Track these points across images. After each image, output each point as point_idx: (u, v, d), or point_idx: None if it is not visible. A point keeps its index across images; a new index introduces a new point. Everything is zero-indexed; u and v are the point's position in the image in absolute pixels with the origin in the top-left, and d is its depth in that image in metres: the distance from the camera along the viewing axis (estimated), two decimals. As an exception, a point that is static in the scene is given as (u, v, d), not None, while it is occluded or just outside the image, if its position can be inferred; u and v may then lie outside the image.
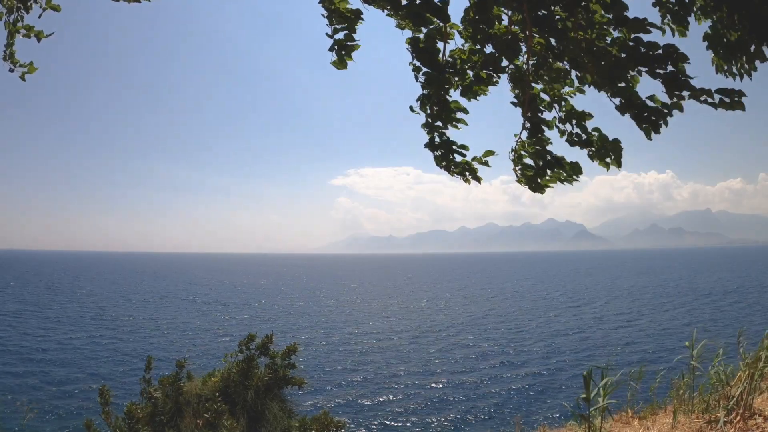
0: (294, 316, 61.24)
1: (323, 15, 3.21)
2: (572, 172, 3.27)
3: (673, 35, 3.16)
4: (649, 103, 2.79)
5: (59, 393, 28.16)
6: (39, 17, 4.02)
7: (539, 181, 3.40)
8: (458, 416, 24.77)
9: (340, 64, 3.34)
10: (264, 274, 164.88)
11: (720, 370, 5.56)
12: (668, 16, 3.09)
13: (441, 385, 29.96)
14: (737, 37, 2.87)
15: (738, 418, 4.83)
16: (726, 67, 3.29)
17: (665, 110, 2.76)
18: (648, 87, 2.90)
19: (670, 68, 2.64)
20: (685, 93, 2.64)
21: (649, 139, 2.87)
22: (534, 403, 26.52)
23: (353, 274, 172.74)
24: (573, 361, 34.98)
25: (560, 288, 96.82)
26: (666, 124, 2.80)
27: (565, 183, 3.37)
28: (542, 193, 3.49)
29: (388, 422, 24.03)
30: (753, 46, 2.85)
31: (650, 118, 2.79)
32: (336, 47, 3.29)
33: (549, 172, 3.33)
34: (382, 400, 27.42)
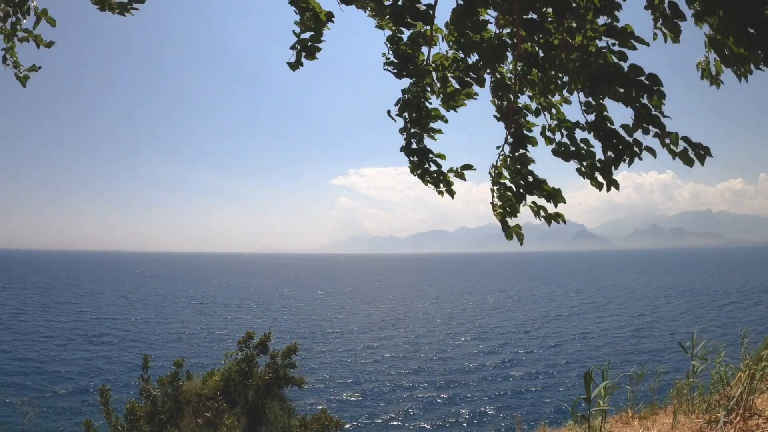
0: (294, 316, 61.25)
1: (295, 11, 3.14)
2: (552, 199, 3.08)
3: (665, 41, 3.12)
4: (622, 132, 2.64)
5: (59, 393, 28.18)
6: (34, 28, 4.02)
7: (516, 208, 3.20)
8: (458, 416, 24.76)
9: (296, 65, 3.24)
10: (264, 274, 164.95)
11: (720, 371, 5.55)
12: (661, 20, 3.03)
13: (441, 385, 29.94)
14: (736, 45, 2.82)
15: (738, 418, 4.83)
16: (714, 73, 3.26)
17: (636, 148, 2.62)
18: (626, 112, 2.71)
19: (645, 100, 2.53)
20: (653, 129, 2.52)
21: (607, 171, 2.71)
22: (534, 402, 26.50)
23: (353, 275, 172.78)
24: (574, 361, 34.95)
25: (561, 288, 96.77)
26: (631, 161, 2.63)
27: (542, 220, 3.15)
28: (508, 239, 3.24)
29: (387, 421, 24.02)
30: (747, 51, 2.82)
31: (617, 148, 2.65)
32: (299, 46, 3.21)
33: (528, 196, 3.14)
34: (381, 399, 27.42)
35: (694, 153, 2.50)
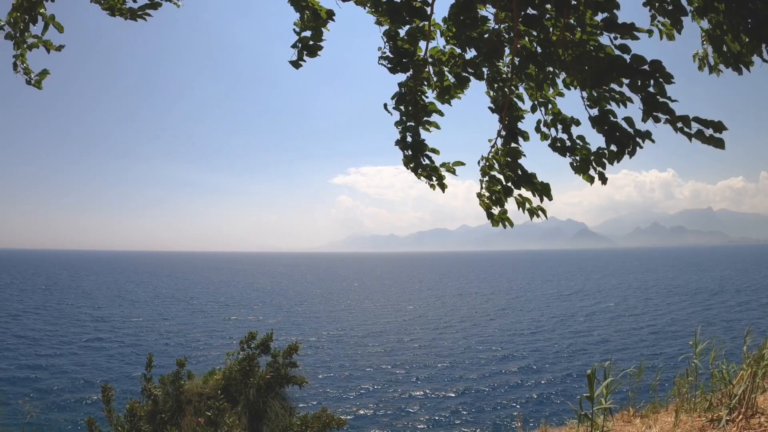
0: (295, 315, 61.28)
1: (294, 10, 3.16)
2: (541, 192, 3.12)
3: (661, 38, 3.12)
4: (624, 125, 2.68)
5: (61, 392, 28.23)
6: (42, 34, 4.03)
7: (503, 200, 3.26)
8: (460, 414, 24.77)
9: (297, 63, 3.28)
10: (265, 274, 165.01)
11: (723, 369, 5.55)
12: (658, 18, 3.03)
13: (443, 383, 29.95)
14: (735, 40, 2.83)
15: (740, 416, 4.82)
16: (713, 63, 3.26)
17: (637, 138, 2.66)
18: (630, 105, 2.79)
19: (651, 89, 2.54)
20: (663, 116, 2.52)
21: (611, 163, 2.77)
22: (536, 401, 26.51)
23: (354, 273, 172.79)
24: (576, 360, 34.96)
25: (563, 287, 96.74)
26: (633, 152, 2.67)
27: (526, 213, 3.23)
28: (494, 225, 3.36)
29: (388, 420, 24.03)
30: (745, 48, 2.81)
31: (620, 140, 2.68)
32: (300, 45, 3.22)
33: (516, 190, 3.20)
34: (382, 398, 27.43)
35: (710, 133, 2.47)
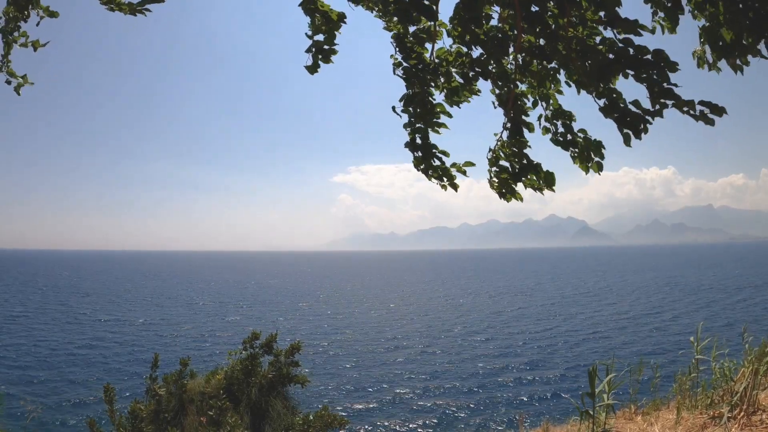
0: (296, 314, 61.32)
1: (305, 13, 3.14)
2: (546, 182, 3.23)
3: (663, 32, 3.15)
4: (632, 108, 2.78)
5: (62, 393, 28.27)
6: (37, 25, 3.94)
7: (512, 185, 3.37)
8: (461, 412, 24.80)
9: (313, 68, 3.23)
10: (266, 273, 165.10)
11: (724, 366, 5.55)
12: (659, 13, 3.06)
13: (444, 382, 29.98)
14: (734, 34, 2.85)
15: (742, 413, 4.83)
16: (712, 61, 3.29)
17: (646, 117, 2.76)
18: (632, 91, 3.06)
19: (656, 76, 2.63)
20: (669, 102, 2.64)
21: (628, 145, 2.86)
22: (538, 399, 26.54)
23: (356, 272, 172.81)
24: (579, 357, 34.98)
25: (564, 285, 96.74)
26: (646, 131, 2.78)
27: (537, 191, 3.36)
28: (507, 201, 3.51)
29: (389, 419, 24.06)
30: (746, 42, 2.83)
31: (632, 123, 2.78)
32: (314, 49, 3.20)
33: (523, 177, 3.31)
34: (383, 396, 27.46)
35: (711, 112, 2.62)
